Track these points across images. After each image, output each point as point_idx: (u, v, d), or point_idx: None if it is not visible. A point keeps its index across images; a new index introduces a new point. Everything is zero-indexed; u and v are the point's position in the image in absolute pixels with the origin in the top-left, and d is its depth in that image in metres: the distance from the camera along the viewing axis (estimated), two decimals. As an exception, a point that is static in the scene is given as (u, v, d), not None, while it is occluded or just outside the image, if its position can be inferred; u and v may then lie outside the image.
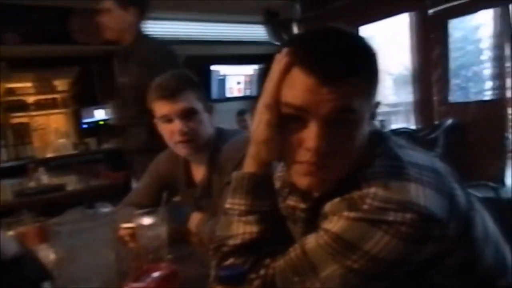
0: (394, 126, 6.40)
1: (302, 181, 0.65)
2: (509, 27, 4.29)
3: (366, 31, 5.20)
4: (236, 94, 6.44)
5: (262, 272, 0.65)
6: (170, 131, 1.24)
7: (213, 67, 6.08)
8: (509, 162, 4.46)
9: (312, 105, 0.60)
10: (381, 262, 0.58)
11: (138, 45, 2.04)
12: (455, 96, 5.05)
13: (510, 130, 4.77)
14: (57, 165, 4.55)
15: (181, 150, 1.28)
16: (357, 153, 0.64)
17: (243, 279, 0.59)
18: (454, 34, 5.12)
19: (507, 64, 4.38)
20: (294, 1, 6.36)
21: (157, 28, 5.54)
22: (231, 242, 0.68)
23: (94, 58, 5.25)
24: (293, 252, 0.64)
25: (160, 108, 1.23)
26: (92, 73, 5.35)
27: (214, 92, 6.16)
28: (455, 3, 4.49)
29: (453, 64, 5.03)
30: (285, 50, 0.64)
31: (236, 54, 6.31)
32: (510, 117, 4.63)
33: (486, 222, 0.69)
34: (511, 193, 4.02)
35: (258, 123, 0.67)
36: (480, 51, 7.12)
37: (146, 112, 1.30)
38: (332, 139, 0.61)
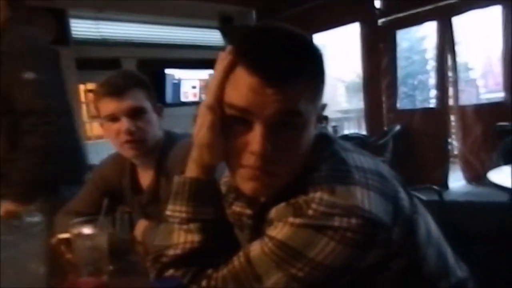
0: (346, 132, 6.60)
1: (246, 186, 0.62)
2: (451, 38, 4.56)
3: (320, 39, 5.34)
4: (191, 98, 6.35)
5: (204, 283, 0.61)
6: (116, 131, 1.17)
7: (167, 71, 5.96)
8: (451, 166, 4.72)
9: (256, 107, 0.57)
10: (327, 269, 0.56)
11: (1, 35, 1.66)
12: (402, 103, 5.30)
13: (453, 136, 5.06)
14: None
15: (128, 152, 1.21)
16: (303, 156, 0.63)
17: None
18: (401, 44, 5.39)
19: (449, 74, 4.65)
20: (249, 7, 6.40)
21: (110, 29, 5.37)
22: (171, 252, 0.63)
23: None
24: (237, 260, 0.61)
25: (106, 106, 1.16)
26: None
27: (169, 96, 6.03)
28: (403, 14, 4.71)
29: (400, 73, 5.28)
30: (228, 48, 0.61)
31: (191, 58, 6.23)
32: (452, 123, 4.91)
33: (429, 225, 0.70)
34: (454, 195, 4.25)
35: (201, 125, 0.63)
36: (425, 61, 7.53)
37: (6, 113, 1.17)
38: (277, 142, 0.59)
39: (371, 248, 0.58)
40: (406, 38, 6.03)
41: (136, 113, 1.16)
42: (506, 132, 3.59)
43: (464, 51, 4.94)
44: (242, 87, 0.58)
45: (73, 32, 4.78)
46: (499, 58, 4.41)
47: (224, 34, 6.51)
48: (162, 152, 1.23)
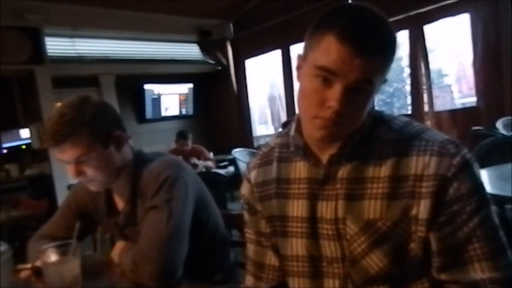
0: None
1: (318, 133, 0.74)
2: (424, 46, 4.68)
3: (297, 50, 5.40)
4: (171, 113, 6.33)
5: None
6: (70, 173, 1.16)
7: (146, 86, 5.94)
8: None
9: (342, 71, 0.67)
10: None
11: None
12: (380, 111, 5.36)
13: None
14: (-28, 195, 4.14)
15: (90, 188, 1.21)
16: (364, 116, 0.76)
17: None
18: (377, 53, 5.48)
19: (424, 81, 4.75)
20: (227, 21, 6.44)
21: (88, 46, 5.32)
22: None
23: (14, 78, 4.91)
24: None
25: (54, 152, 1.14)
26: (12, 94, 4.99)
27: (149, 112, 6.00)
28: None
29: (377, 81, 5.35)
30: (313, 22, 0.72)
31: (170, 73, 6.22)
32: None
33: None
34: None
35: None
36: (401, 69, 7.68)
37: None
38: (350, 102, 0.69)
39: None
40: (381, 46, 6.15)
41: (79, 160, 1.13)
42: (480, 136, 3.67)
43: (438, 58, 5.05)
44: (333, 53, 0.68)
45: (48, 51, 4.72)
46: (471, 64, 4.54)
47: (202, 47, 6.53)
48: (134, 173, 1.21)
